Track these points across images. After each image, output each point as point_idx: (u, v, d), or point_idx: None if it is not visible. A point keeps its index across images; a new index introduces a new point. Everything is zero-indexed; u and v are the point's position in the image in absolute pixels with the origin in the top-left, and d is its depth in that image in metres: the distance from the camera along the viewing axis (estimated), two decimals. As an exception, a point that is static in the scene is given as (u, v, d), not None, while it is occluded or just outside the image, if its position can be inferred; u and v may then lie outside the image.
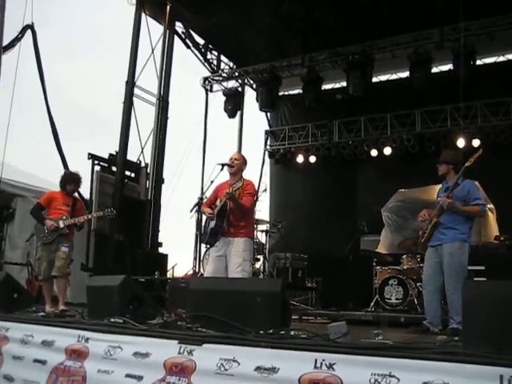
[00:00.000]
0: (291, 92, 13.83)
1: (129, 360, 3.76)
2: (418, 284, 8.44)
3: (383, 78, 12.74)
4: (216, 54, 13.09)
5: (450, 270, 5.63)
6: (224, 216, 5.84)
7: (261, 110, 12.20)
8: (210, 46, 12.84)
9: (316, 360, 3.04)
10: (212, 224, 5.91)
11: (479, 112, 11.29)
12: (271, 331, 3.72)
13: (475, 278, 8.07)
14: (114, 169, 10.37)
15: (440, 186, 6.23)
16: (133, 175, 10.86)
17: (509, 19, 9.55)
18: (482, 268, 8.56)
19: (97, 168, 10.17)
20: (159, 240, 10.91)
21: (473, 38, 9.92)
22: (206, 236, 5.99)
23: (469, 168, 5.68)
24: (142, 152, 11.00)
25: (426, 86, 10.09)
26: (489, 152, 5.79)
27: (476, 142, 11.11)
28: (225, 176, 6.21)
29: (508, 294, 3.31)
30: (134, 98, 10.61)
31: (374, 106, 12.30)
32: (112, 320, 4.43)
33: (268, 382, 3.08)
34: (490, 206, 9.97)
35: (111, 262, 9.51)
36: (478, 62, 10.18)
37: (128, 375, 3.67)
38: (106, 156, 10.42)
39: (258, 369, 3.14)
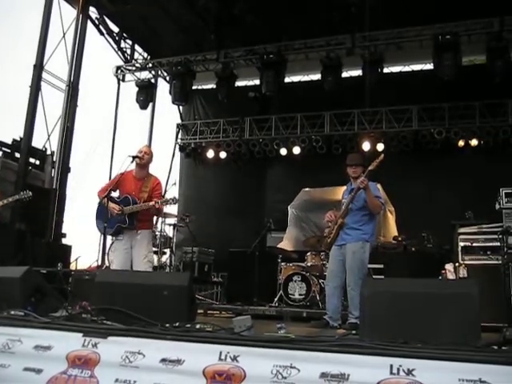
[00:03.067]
0: (205, 87, 13.83)
1: (28, 353, 3.64)
2: (320, 280, 8.73)
3: (296, 78, 13.02)
4: (130, 43, 12.83)
5: (351, 267, 5.91)
6: (135, 216, 5.91)
7: (173, 102, 12.11)
8: (125, 34, 12.57)
9: (221, 352, 3.10)
10: (120, 222, 5.87)
11: (384, 117, 11.84)
12: (177, 324, 3.75)
13: (374, 276, 8.49)
14: (18, 155, 9.93)
15: (344, 187, 6.51)
16: (37, 163, 10.42)
17: (414, 32, 10.09)
18: (381, 266, 9.02)
19: (-2, 153, 9.71)
20: (63, 231, 10.57)
21: (382, 47, 10.39)
22: (110, 228, 5.92)
23: (372, 171, 5.99)
24: (48, 139, 10.59)
25: (336, 90, 10.43)
26: (391, 157, 6.11)
27: (380, 147, 11.64)
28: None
29: (402, 291, 3.55)
30: (42, 83, 10.20)
31: (286, 106, 12.55)
32: (12, 313, 4.27)
33: (173, 374, 3.11)
34: (391, 208, 10.53)
35: (11, 252, 9.09)
36: (386, 70, 10.66)
37: (26, 368, 3.55)
38: (8, 141, 9.96)
39: (163, 361, 3.16)
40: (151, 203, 5.77)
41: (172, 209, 12.47)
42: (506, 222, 8.73)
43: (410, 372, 2.73)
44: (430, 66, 10.42)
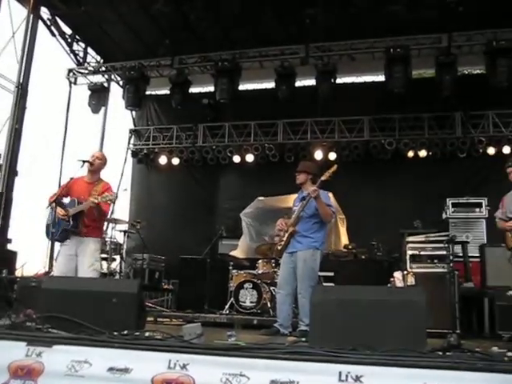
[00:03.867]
0: (158, 92, 13.71)
1: (-32, 364, 3.51)
2: (271, 288, 8.76)
3: (250, 86, 13.07)
4: (83, 45, 12.60)
5: (302, 275, 5.96)
6: (80, 218, 5.76)
7: (126, 107, 11.95)
8: (77, 36, 12.33)
9: (170, 360, 3.07)
10: (64, 224, 5.75)
11: (336, 127, 12.02)
12: (126, 332, 3.69)
13: (325, 284, 8.58)
14: (-38, 158, 9.61)
15: (296, 195, 6.57)
16: (-17, 166, 10.11)
17: (367, 44, 10.31)
18: (332, 274, 9.13)
19: None
20: (8, 236, 10.25)
21: (335, 58, 10.56)
22: (57, 234, 5.79)
23: (325, 182, 6.07)
24: (-5, 141, 10.28)
25: (289, 99, 10.51)
26: (343, 166, 6.22)
27: (332, 156, 11.80)
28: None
29: (351, 298, 3.61)
30: (-10, 84, 9.91)
31: (240, 114, 12.56)
32: (-49, 320, 4.12)
33: (120, 383, 3.06)
34: (342, 216, 10.68)
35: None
36: (339, 81, 10.83)
37: (-35, 381, 3.44)
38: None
39: (110, 369, 3.10)
40: (90, 199, 5.65)
41: (123, 215, 12.35)
42: (452, 231, 9.02)
43: (357, 378, 2.77)
44: (381, 78, 10.63)
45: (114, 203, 6.37)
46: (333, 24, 9.84)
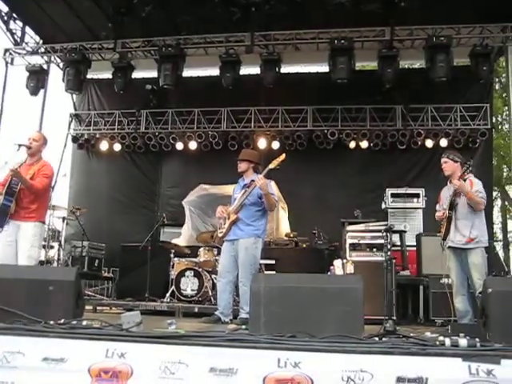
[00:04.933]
0: (100, 76, 13.36)
1: None
2: (213, 276, 8.76)
3: (194, 73, 12.92)
4: (21, 25, 12.11)
5: (244, 263, 5.97)
6: (12, 195, 5.54)
7: (66, 91, 11.59)
8: (14, 15, 11.85)
9: (107, 349, 3.03)
10: None
11: (280, 116, 12.07)
12: (62, 321, 3.61)
13: (266, 272, 8.65)
14: None
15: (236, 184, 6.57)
16: None
17: (312, 34, 10.37)
18: (273, 262, 9.21)
19: None
20: None
21: (280, 47, 10.57)
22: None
23: (272, 170, 6.10)
24: None
25: (234, 87, 10.47)
26: (286, 155, 6.24)
27: (276, 145, 11.87)
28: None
29: (290, 285, 3.65)
30: None
31: (183, 100, 12.44)
32: None
33: (56, 373, 2.99)
34: (284, 204, 10.78)
35: None
36: (283, 70, 10.85)
37: None
38: None
39: (45, 359, 3.03)
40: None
41: (62, 201, 12.04)
42: (390, 221, 9.26)
43: (296, 365, 2.82)
44: (325, 69, 10.72)
45: (51, 182, 6.12)
46: (278, 13, 9.83)
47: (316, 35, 10.37)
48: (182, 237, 11.09)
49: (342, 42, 9.77)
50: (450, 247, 5.88)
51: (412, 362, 2.80)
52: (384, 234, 6.91)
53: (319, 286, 3.62)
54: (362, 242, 7.57)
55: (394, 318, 6.46)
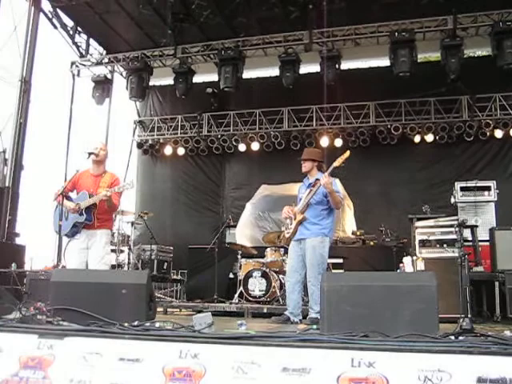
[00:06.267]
0: (162, 82, 13.64)
1: (-21, 357, 3.52)
2: (280, 276, 8.75)
3: (254, 74, 12.98)
4: (85, 37, 12.54)
5: (311, 262, 5.92)
6: (92, 211, 5.73)
7: (130, 98, 11.91)
8: (79, 28, 12.27)
9: (181, 350, 3.07)
10: (77, 218, 5.72)
11: (342, 113, 11.95)
12: (136, 323, 3.69)
13: (334, 270, 8.57)
14: (-33, 153, 9.61)
15: (300, 183, 6.52)
16: (-11, 160, 10.13)
17: (371, 28, 10.21)
18: (341, 261, 9.11)
19: None
20: (16, 230, 10.28)
21: (339, 43, 10.46)
22: (67, 228, 5.76)
23: (337, 168, 6.02)
24: (-1, 136, 10.29)
25: (294, 86, 10.45)
26: (350, 152, 6.14)
27: (338, 142, 11.76)
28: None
29: (361, 284, 3.58)
30: (-7, 78, 9.89)
31: (244, 102, 12.52)
32: (-38, 315, 4.12)
33: (131, 372, 3.06)
34: (349, 202, 10.65)
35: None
36: (343, 67, 10.73)
37: (-25, 372, 3.45)
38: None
39: (121, 360, 3.10)
40: (103, 192, 5.58)
41: (130, 206, 12.36)
42: (461, 215, 8.96)
43: (371, 364, 2.76)
44: (386, 63, 10.53)
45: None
46: (336, 9, 9.74)
47: (375, 29, 10.22)
48: (244, 238, 11.12)
49: (403, 34, 9.59)
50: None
51: (493, 362, 2.68)
52: (456, 229, 6.67)
53: (391, 284, 3.53)
54: (431, 238, 7.35)
55: (470, 316, 6.25)
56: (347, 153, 6.07)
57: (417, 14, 9.88)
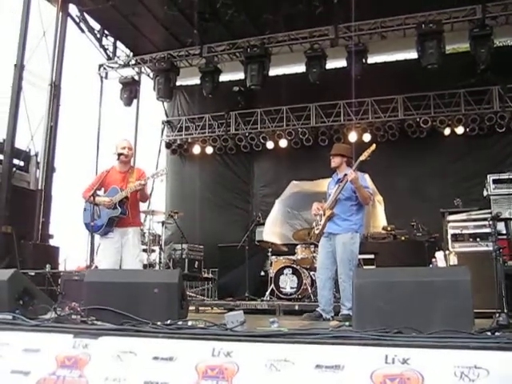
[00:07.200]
0: (189, 82, 13.71)
1: (17, 356, 3.59)
2: (311, 273, 8.73)
3: (280, 71, 12.96)
4: (112, 40, 12.70)
5: (342, 259, 5.89)
6: (126, 204, 5.78)
7: (158, 99, 12.02)
8: (106, 31, 12.43)
9: (214, 349, 3.08)
10: (112, 212, 5.77)
11: (370, 108, 11.85)
12: (168, 322, 3.71)
13: (365, 267, 8.50)
14: (1, 157, 9.80)
15: (330, 179, 6.49)
16: (22, 164, 10.30)
17: (398, 21, 10.09)
18: (372, 257, 9.03)
19: (-19, 156, 9.56)
20: (50, 232, 10.47)
21: (365, 37, 10.37)
22: (100, 226, 5.82)
23: (363, 162, 5.97)
24: (31, 140, 10.46)
25: (321, 81, 10.40)
26: (378, 147, 6.09)
27: (367, 137, 11.65)
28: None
29: (394, 280, 3.54)
30: (24, 83, 10.05)
31: (271, 99, 12.49)
32: (0, 316, 4.20)
33: (165, 371, 3.09)
34: (379, 197, 10.56)
35: (-2, 256, 9.00)
36: (370, 60, 10.64)
37: (14, 371, 3.51)
38: (-9, 143, 9.83)
39: (155, 358, 3.13)
40: (136, 182, 5.67)
41: (160, 206, 12.47)
42: (494, 208, 8.78)
43: (405, 361, 2.72)
44: (413, 55, 10.40)
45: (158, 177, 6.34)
46: (362, 2, 9.64)
47: (402, 21, 10.11)
48: (273, 235, 11.10)
49: (430, 25, 9.45)
50: None
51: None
52: (490, 222, 6.55)
53: (424, 280, 3.47)
54: (464, 231, 7.23)
55: (506, 311, 6.14)
56: (373, 146, 6.03)
57: (444, 5, 9.72)
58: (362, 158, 5.96)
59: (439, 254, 7.62)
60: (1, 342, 3.73)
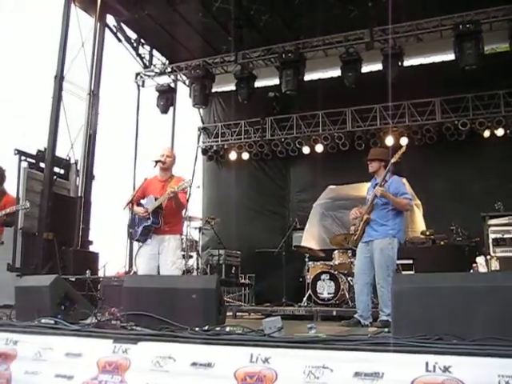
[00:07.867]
0: (224, 89, 13.81)
1: (60, 360, 3.66)
2: (349, 278, 8.65)
3: (315, 76, 12.92)
4: (148, 49, 12.89)
5: (380, 264, 5.81)
6: (160, 214, 5.80)
7: (194, 106, 12.12)
8: (142, 40, 12.64)
9: (252, 354, 3.07)
10: (145, 222, 5.83)
11: (407, 111, 11.70)
12: (207, 328, 3.73)
13: (403, 272, 8.38)
14: (43, 165, 10.03)
15: (369, 183, 6.43)
16: (62, 172, 10.53)
17: (434, 22, 9.94)
18: (410, 262, 8.89)
19: (24, 164, 9.78)
20: (90, 238, 10.66)
21: (401, 40, 10.25)
22: (137, 233, 5.88)
23: (395, 164, 5.92)
24: (71, 148, 10.69)
25: (356, 85, 10.32)
26: (416, 151, 6.04)
27: (404, 141, 11.49)
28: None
29: (433, 285, 3.46)
30: (64, 93, 10.28)
31: (306, 104, 12.47)
32: (43, 321, 4.29)
33: (203, 377, 3.10)
34: (417, 202, 10.40)
35: (40, 262, 9.21)
36: (406, 63, 10.52)
37: (58, 375, 3.58)
38: (33, 152, 10.06)
39: (193, 364, 3.14)
40: (168, 191, 5.61)
41: (197, 212, 12.55)
42: (537, 212, 8.55)
43: (446, 369, 2.67)
44: (450, 57, 10.23)
45: (190, 187, 6.29)
46: (397, 5, 9.54)
47: (438, 22, 9.93)
48: (312, 240, 11.05)
49: (468, 26, 9.27)
50: None
51: None
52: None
53: (465, 285, 3.40)
54: (506, 236, 7.08)
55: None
56: (403, 148, 6.03)
57: (482, 4, 9.53)
58: (393, 160, 5.92)
59: (480, 259, 7.47)
60: (44, 346, 3.81)
